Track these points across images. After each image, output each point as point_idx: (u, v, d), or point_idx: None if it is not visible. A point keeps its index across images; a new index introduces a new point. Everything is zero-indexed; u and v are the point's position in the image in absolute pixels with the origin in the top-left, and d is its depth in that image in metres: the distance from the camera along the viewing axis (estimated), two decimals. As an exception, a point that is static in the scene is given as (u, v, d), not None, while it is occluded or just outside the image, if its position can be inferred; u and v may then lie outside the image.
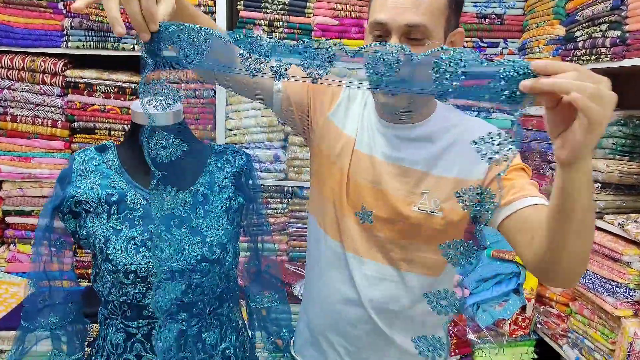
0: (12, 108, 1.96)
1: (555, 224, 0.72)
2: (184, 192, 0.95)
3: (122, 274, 0.90)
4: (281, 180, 2.13)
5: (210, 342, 0.99)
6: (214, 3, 1.97)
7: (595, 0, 1.65)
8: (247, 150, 2.06)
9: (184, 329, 0.95)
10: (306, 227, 2.17)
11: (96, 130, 1.99)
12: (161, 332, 0.90)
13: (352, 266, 1.00)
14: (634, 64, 1.50)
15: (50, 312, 0.99)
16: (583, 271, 0.79)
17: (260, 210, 1.12)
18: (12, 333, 1.71)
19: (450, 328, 1.95)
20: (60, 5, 1.92)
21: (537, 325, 1.99)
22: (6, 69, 1.92)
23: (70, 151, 2.00)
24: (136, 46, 1.96)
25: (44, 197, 2.01)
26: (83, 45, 1.92)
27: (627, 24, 1.52)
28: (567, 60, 1.81)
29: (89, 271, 1.94)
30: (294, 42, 0.73)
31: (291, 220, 2.18)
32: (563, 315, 1.86)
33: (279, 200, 2.17)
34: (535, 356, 2.03)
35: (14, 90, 1.94)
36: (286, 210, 2.18)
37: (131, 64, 1.95)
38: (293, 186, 2.14)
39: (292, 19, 2.05)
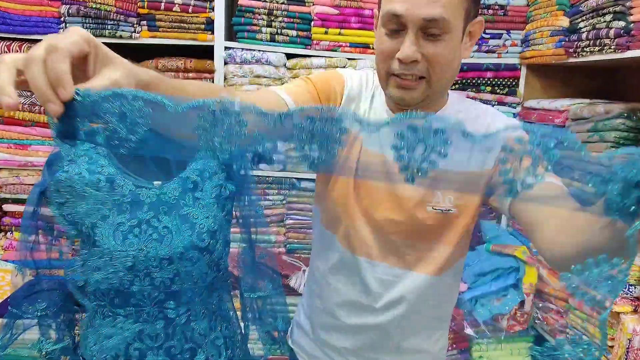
0: (9, 95, 1.95)
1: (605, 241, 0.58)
2: (174, 180, 0.94)
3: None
4: (279, 171, 2.11)
5: (199, 331, 0.97)
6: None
7: (600, -9, 1.62)
8: (246, 141, 2.06)
9: (172, 318, 0.94)
10: (304, 219, 2.17)
11: (93, 119, 1.98)
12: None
13: (363, 270, 0.97)
14: (639, 55, 1.47)
15: (37, 299, 0.98)
16: None
17: (253, 200, 1.10)
18: (6, 321, 1.71)
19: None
20: (58, -9, 1.90)
21: (536, 321, 1.97)
22: (3, 56, 1.91)
23: (67, 139, 1.99)
24: (134, 34, 1.94)
25: (41, 185, 2.00)
26: (80, 33, 1.90)
27: (632, 15, 1.49)
28: (571, 52, 1.78)
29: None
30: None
31: (289, 212, 2.16)
32: (562, 310, 1.84)
33: (276, 191, 2.15)
34: (533, 352, 2.02)
35: (10, 77, 1.92)
36: (284, 201, 2.16)
37: (128, 52, 1.93)
38: (291, 177, 2.13)
39: (292, 7, 2.02)
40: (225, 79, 2.04)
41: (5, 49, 1.90)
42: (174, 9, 1.96)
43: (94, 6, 1.89)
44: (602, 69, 2.04)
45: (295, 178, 2.13)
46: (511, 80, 2.12)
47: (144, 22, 1.97)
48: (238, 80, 2.03)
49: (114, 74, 0.53)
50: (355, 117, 0.52)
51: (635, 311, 1.49)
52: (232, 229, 1.07)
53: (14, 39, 1.91)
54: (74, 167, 0.91)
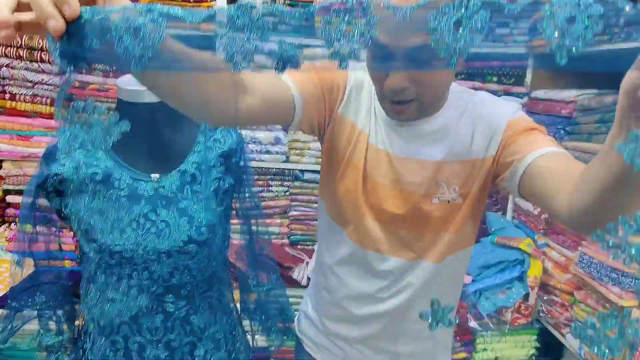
0: (11, 86, 1.94)
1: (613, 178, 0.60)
2: (172, 173, 0.93)
3: (107, 254, 0.88)
4: (282, 162, 2.09)
5: (198, 324, 0.97)
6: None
7: (610, -22, 1.58)
8: (248, 132, 2.05)
9: (171, 312, 0.93)
10: (308, 211, 2.16)
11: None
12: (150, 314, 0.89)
13: (373, 263, 0.97)
14: (649, 45, 1.43)
15: (37, 291, 0.98)
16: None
17: (253, 193, 1.09)
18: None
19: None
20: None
21: (540, 314, 1.96)
22: (4, 47, 1.90)
23: (70, 131, 1.99)
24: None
25: (43, 176, 2.00)
26: (81, 23, 1.88)
27: (643, 3, 1.46)
28: (579, 41, 1.74)
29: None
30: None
31: (292, 203, 2.15)
32: (567, 304, 1.82)
33: (280, 183, 2.14)
34: (538, 345, 2.01)
35: (12, 68, 1.92)
36: (287, 193, 2.15)
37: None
38: (294, 169, 2.11)
39: (295, -4, 1.99)
40: (227, 69, 2.02)
41: (7, 40, 1.89)
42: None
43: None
44: (611, 59, 2.00)
45: (298, 170, 2.12)
46: (518, 69, 2.09)
47: (146, 12, 1.95)
48: (240, 71, 2.01)
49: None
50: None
51: (641, 305, 1.48)
52: (232, 222, 1.06)
53: (15, 30, 1.91)
54: (70, 160, 0.90)
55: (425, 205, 0.92)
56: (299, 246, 2.17)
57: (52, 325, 1.01)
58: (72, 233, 1.81)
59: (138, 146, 0.91)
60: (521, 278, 1.93)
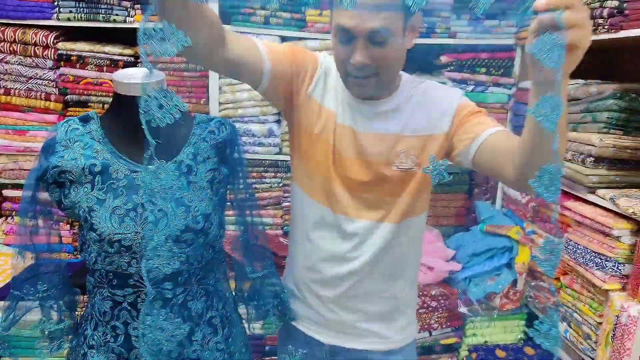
0: (6, 81, 1.96)
1: (535, 140, 0.79)
2: (168, 164, 0.96)
3: (107, 243, 0.91)
4: (275, 154, 2.12)
5: (196, 310, 1.00)
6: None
7: (594, -30, 1.61)
8: (241, 124, 2.07)
9: (169, 298, 0.96)
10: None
11: (89, 104, 1.99)
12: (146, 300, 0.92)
13: (343, 225, 1.10)
14: (633, 35, 1.47)
15: (39, 281, 1.01)
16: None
17: (247, 184, 1.12)
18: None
19: (442, 301, 1.98)
20: (50, -25, 1.89)
21: (528, 299, 2.01)
22: (-3, 42, 1.91)
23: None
24: (127, 18, 1.93)
25: (39, 170, 2.02)
26: (74, 17, 1.89)
27: (625, -6, 1.49)
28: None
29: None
30: None
31: (285, 194, 2.18)
32: (554, 289, 1.87)
33: (273, 174, 2.17)
34: (526, 329, 2.06)
35: (6, 62, 1.93)
36: (280, 184, 2.18)
37: (122, 37, 1.93)
38: (287, 160, 2.14)
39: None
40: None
41: (0, 35, 1.89)
42: (167, -8, 1.95)
43: (86, -10, 1.88)
44: (596, 49, 2.03)
45: (291, 161, 2.14)
46: (506, 61, 2.12)
47: (138, 6, 1.96)
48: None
49: None
50: None
51: (623, 289, 1.53)
52: (227, 213, 1.09)
53: (7, 25, 1.91)
54: (69, 152, 0.93)
55: (386, 171, 1.06)
56: (293, 236, 2.21)
57: (54, 314, 1.04)
58: (69, 226, 1.84)
59: (135, 138, 0.94)
60: (510, 265, 1.98)
